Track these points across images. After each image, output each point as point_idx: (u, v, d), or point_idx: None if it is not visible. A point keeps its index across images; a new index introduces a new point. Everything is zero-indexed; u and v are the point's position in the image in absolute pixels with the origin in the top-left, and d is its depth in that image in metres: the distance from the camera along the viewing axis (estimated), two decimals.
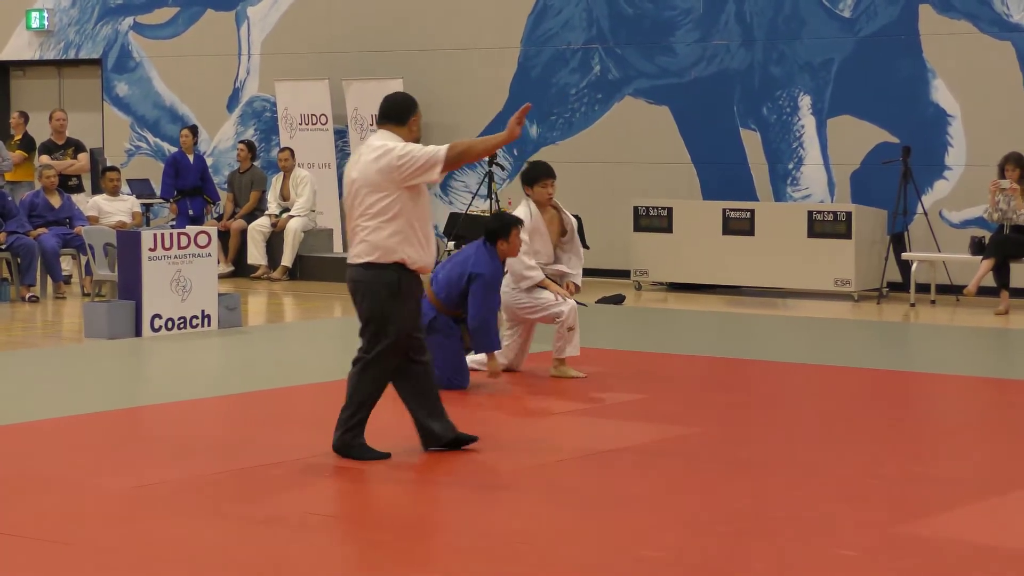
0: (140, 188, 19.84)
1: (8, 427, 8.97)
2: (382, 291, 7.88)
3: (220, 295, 13.52)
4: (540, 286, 10.67)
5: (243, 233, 18.63)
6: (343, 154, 19.38)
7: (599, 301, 15.42)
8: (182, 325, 13.14)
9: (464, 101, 18.75)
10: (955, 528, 6.72)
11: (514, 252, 10.23)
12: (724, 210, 16.72)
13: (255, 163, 19.35)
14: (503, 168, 18.18)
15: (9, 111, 21.36)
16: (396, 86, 18.02)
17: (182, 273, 13.16)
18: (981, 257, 14.87)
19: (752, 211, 16.61)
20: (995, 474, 7.89)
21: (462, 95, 18.81)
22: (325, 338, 13.17)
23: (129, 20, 21.53)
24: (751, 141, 17.31)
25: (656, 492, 7.43)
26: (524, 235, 10.52)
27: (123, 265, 13.14)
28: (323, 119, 19.50)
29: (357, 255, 7.94)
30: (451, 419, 8.22)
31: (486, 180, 17.70)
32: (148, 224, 18.78)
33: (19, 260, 15.75)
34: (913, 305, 15.40)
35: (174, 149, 19.83)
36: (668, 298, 16.51)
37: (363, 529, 6.90)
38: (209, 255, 13.44)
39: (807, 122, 17.01)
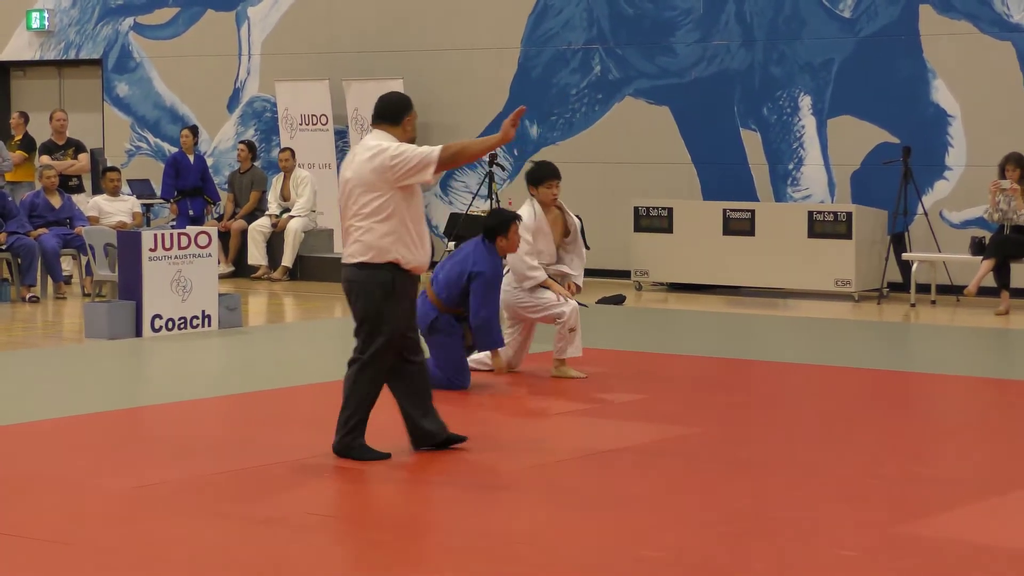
0: (140, 188, 19.85)
1: (8, 427, 8.97)
2: (376, 291, 7.88)
3: (220, 295, 13.52)
4: (542, 286, 10.67)
5: (243, 233, 18.63)
6: (343, 154, 19.34)
7: (599, 301, 15.42)
8: (182, 325, 13.14)
9: (464, 101, 18.76)
10: (955, 528, 6.72)
11: (513, 248, 10.23)
12: (724, 210, 16.72)
13: (255, 163, 19.36)
14: (503, 168, 18.18)
15: (9, 111, 21.35)
16: (396, 86, 18.04)
17: (182, 273, 13.16)
18: (981, 257, 14.86)
19: (752, 211, 16.61)
20: (995, 474, 7.89)
21: (462, 95, 18.81)
22: (325, 338, 13.17)
23: (129, 20, 21.54)
24: (751, 141, 17.32)
25: (656, 492, 7.43)
26: (528, 235, 10.53)
27: (123, 265, 13.14)
28: (323, 119, 19.50)
29: (351, 255, 7.95)
30: (443, 419, 8.22)
31: (486, 180, 17.70)
32: (148, 224, 18.78)
33: (19, 260, 15.75)
34: (913, 305, 15.40)
35: (174, 149, 19.83)
36: (668, 298, 16.51)
37: (363, 529, 6.90)
38: (209, 255, 13.44)
39: (807, 122, 17.01)
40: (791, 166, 17.09)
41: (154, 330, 12.95)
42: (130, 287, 13.01)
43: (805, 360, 11.83)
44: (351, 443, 7.96)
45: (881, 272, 16.17)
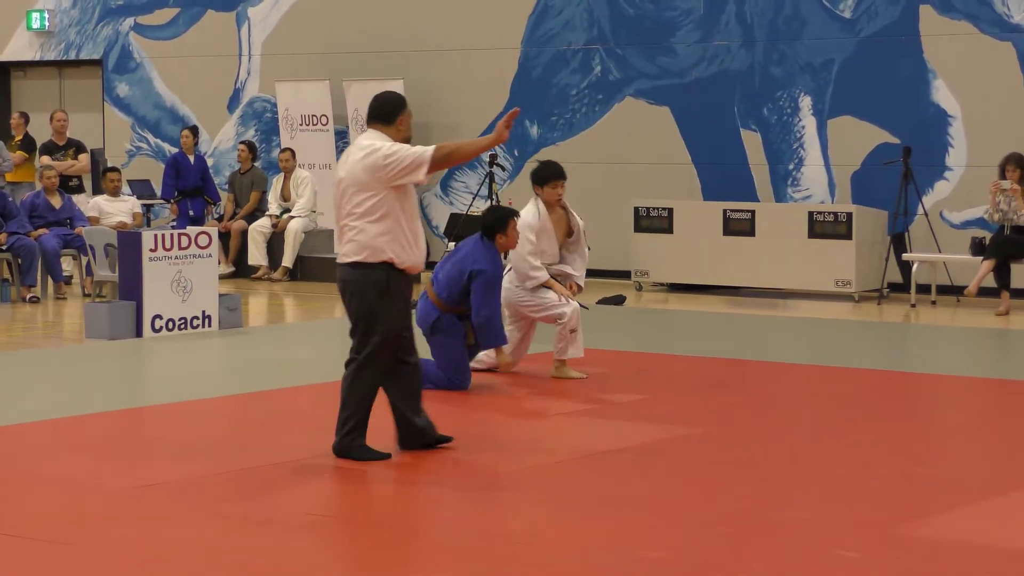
0: (141, 189, 19.85)
1: (9, 427, 8.97)
2: (371, 290, 7.89)
3: (221, 296, 13.52)
4: (544, 286, 10.67)
5: (244, 234, 18.63)
6: None
7: (600, 302, 15.42)
8: (183, 326, 13.14)
9: (465, 102, 18.76)
10: (955, 529, 6.72)
11: (513, 244, 10.23)
12: (725, 211, 16.72)
13: (256, 164, 19.36)
14: (504, 168, 18.18)
15: (10, 112, 21.35)
16: (397, 87, 18.02)
17: (183, 274, 13.16)
18: (982, 258, 14.87)
19: (753, 212, 16.61)
20: (995, 475, 7.89)
21: (463, 96, 18.81)
22: (325, 339, 13.17)
23: (130, 21, 21.54)
24: (752, 142, 17.32)
25: (657, 492, 7.43)
26: (531, 235, 10.53)
27: (124, 266, 13.14)
28: (324, 120, 19.50)
29: (345, 255, 7.97)
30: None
31: (487, 180, 17.70)
32: (149, 225, 18.78)
33: (20, 261, 15.75)
34: (914, 306, 15.40)
35: (175, 150, 19.83)
36: (669, 299, 16.51)
37: (362, 529, 6.90)
38: (210, 256, 13.44)
39: (808, 123, 17.01)
40: (791, 166, 17.10)
41: (154, 330, 12.95)
42: (130, 287, 13.01)
43: (805, 360, 11.83)
44: (351, 444, 7.96)
45: (881, 272, 16.17)
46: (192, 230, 13.57)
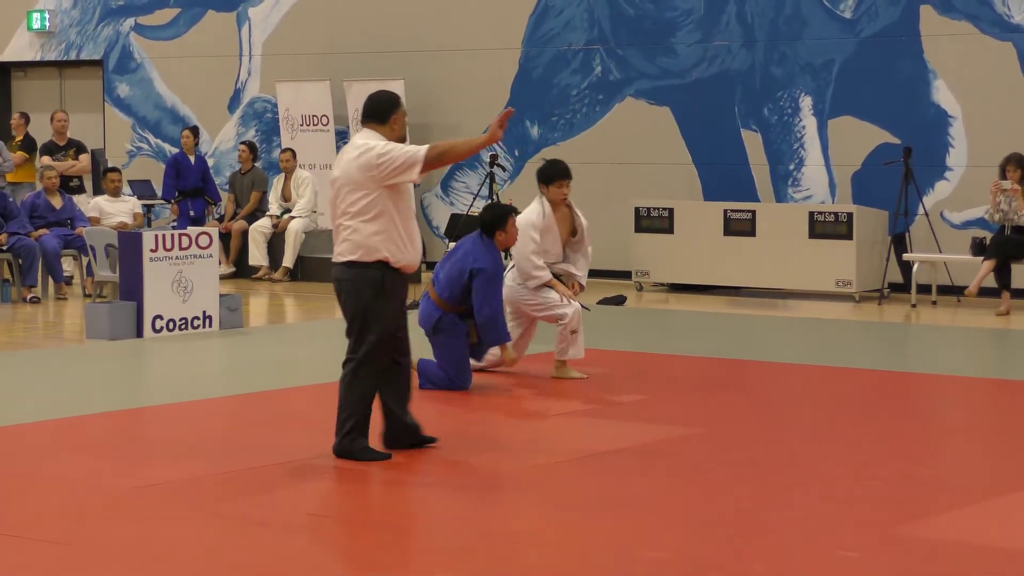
0: (141, 189, 19.85)
1: (9, 428, 8.98)
2: (366, 289, 7.90)
3: (221, 296, 13.52)
4: (547, 285, 10.67)
5: (244, 234, 18.64)
6: None
7: (600, 302, 15.42)
8: (183, 326, 13.14)
9: (465, 102, 18.76)
10: (956, 529, 6.72)
11: (512, 241, 10.24)
12: (725, 211, 16.72)
13: (256, 164, 19.36)
14: (504, 169, 18.18)
15: (10, 112, 21.36)
16: (397, 87, 18.03)
17: (183, 274, 13.16)
18: (982, 258, 14.86)
19: (753, 212, 16.61)
20: (996, 475, 7.89)
21: (463, 96, 18.81)
22: (326, 339, 13.16)
23: (130, 21, 21.54)
24: (752, 142, 17.32)
25: (657, 493, 7.43)
26: (535, 234, 10.54)
27: (124, 266, 13.14)
28: (324, 120, 19.50)
29: (340, 254, 7.99)
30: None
31: (487, 181, 17.70)
32: (149, 225, 18.79)
33: (20, 261, 15.75)
34: (914, 306, 15.40)
35: (175, 150, 19.83)
36: (669, 299, 16.51)
37: (362, 530, 6.90)
38: (210, 256, 13.45)
39: (808, 123, 17.01)
40: (792, 167, 17.09)
41: (155, 331, 12.95)
42: (131, 288, 13.01)
43: (806, 361, 11.83)
44: (351, 444, 7.96)
45: (882, 273, 16.16)
46: (193, 230, 13.57)
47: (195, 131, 19.48)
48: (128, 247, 13.11)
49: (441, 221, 18.82)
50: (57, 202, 16.51)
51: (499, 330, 10.09)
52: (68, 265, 17.14)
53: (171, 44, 21.20)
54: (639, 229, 17.15)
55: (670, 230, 16.98)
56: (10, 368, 11.54)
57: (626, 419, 9.32)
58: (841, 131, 16.78)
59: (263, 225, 18.53)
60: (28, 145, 19.07)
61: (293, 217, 18.44)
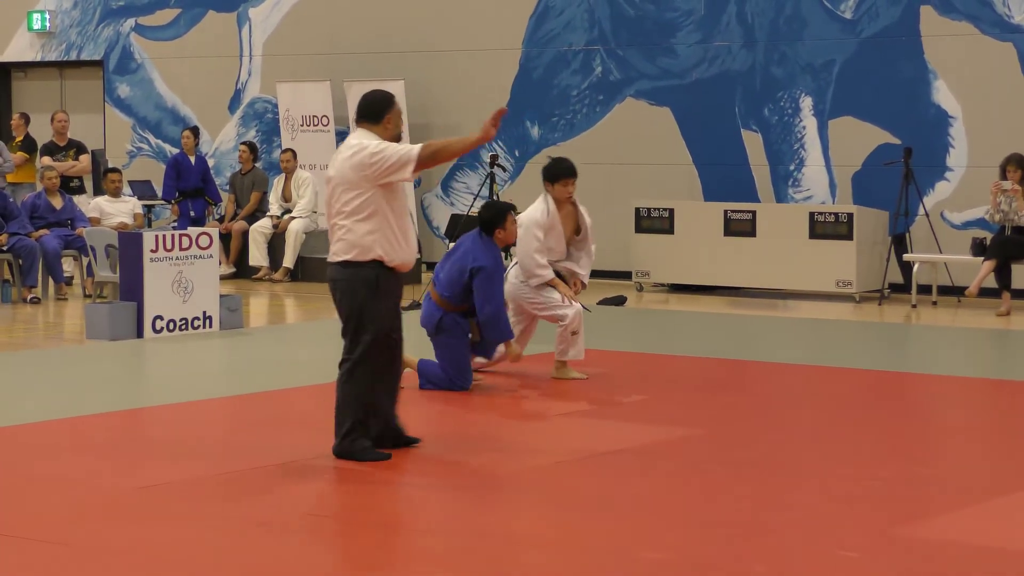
0: (142, 189, 19.85)
1: (9, 428, 8.97)
2: (361, 288, 7.91)
3: (221, 296, 13.52)
4: (549, 285, 10.66)
5: (245, 234, 18.64)
6: None
7: (601, 302, 15.42)
8: (183, 326, 13.15)
9: (465, 102, 18.76)
10: (956, 529, 6.72)
11: (512, 238, 10.25)
12: (725, 211, 16.72)
13: (257, 164, 19.37)
14: (504, 169, 18.18)
15: (10, 112, 21.37)
16: (398, 87, 18.04)
17: (183, 274, 13.16)
18: (982, 258, 14.86)
19: (753, 212, 16.61)
20: (996, 475, 7.89)
21: (463, 96, 18.81)
22: (326, 339, 13.14)
23: (131, 21, 21.54)
24: (752, 142, 17.32)
25: (657, 493, 7.43)
26: (539, 232, 10.54)
27: (124, 266, 13.14)
28: (324, 120, 19.50)
29: (335, 254, 8.00)
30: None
31: (487, 181, 17.70)
32: (150, 225, 18.79)
33: (21, 261, 15.75)
34: (915, 306, 15.40)
35: (176, 150, 19.84)
36: (669, 299, 16.51)
37: (362, 530, 6.90)
38: (210, 256, 13.45)
39: (808, 123, 17.01)
40: (792, 167, 17.09)
41: (155, 331, 12.95)
42: (131, 288, 13.01)
43: (806, 361, 11.83)
44: (351, 446, 7.96)
45: (882, 273, 16.16)
46: (193, 231, 13.57)
47: (195, 131, 19.49)
48: (128, 247, 13.11)
49: (441, 221, 18.82)
50: (57, 202, 16.51)
51: (502, 328, 10.08)
52: (68, 265, 17.14)
53: (171, 44, 21.21)
54: (639, 229, 17.15)
55: (670, 230, 16.98)
56: (10, 368, 11.54)
57: (626, 419, 9.32)
58: (841, 131, 16.78)
59: (263, 225, 18.53)
60: (28, 145, 19.07)
61: (293, 217, 18.44)
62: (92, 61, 21.97)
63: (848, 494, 7.33)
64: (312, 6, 20.07)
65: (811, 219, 16.22)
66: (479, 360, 10.58)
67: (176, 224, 18.25)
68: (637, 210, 17.18)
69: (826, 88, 16.87)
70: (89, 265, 15.57)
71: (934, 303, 15.59)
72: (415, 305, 14.54)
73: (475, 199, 18.02)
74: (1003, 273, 14.78)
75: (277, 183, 18.92)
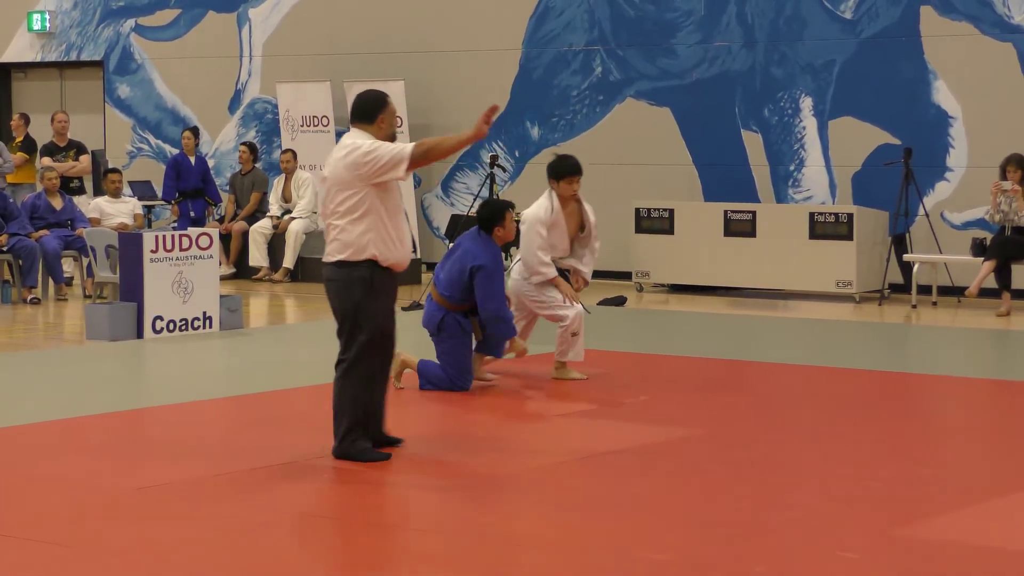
0: (142, 190, 19.85)
1: (9, 428, 8.97)
2: (356, 288, 7.92)
3: (221, 297, 13.53)
4: (552, 283, 10.64)
5: (245, 235, 18.64)
6: None
7: (601, 302, 15.42)
8: (183, 327, 13.14)
9: (465, 103, 18.75)
10: (956, 529, 6.72)
11: (510, 236, 10.26)
12: (725, 212, 16.72)
13: (257, 165, 19.37)
14: (504, 170, 18.18)
15: (10, 113, 21.37)
16: (398, 88, 18.06)
17: (183, 275, 13.16)
18: (983, 259, 14.86)
19: (753, 213, 16.61)
20: (996, 476, 7.88)
21: (463, 97, 18.81)
22: (326, 340, 13.09)
23: (131, 22, 21.54)
24: (752, 143, 17.32)
25: (657, 493, 7.43)
26: (543, 229, 10.53)
27: (124, 267, 13.14)
28: (324, 121, 19.50)
29: (329, 254, 8.02)
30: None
31: (487, 182, 17.70)
32: (150, 226, 18.79)
33: (21, 262, 15.75)
34: (915, 307, 15.39)
35: (176, 151, 19.84)
36: (669, 300, 16.51)
37: (362, 530, 6.90)
38: (211, 257, 13.45)
39: (808, 124, 17.01)
40: (792, 167, 17.09)
41: (155, 332, 12.95)
42: (131, 289, 13.01)
43: (806, 361, 11.83)
44: (350, 447, 7.96)
45: (882, 273, 16.16)
46: (193, 231, 13.57)
47: (195, 132, 19.49)
48: (128, 248, 13.11)
49: (441, 222, 18.81)
50: (57, 203, 16.51)
51: (505, 325, 10.08)
52: (68, 266, 17.14)
53: (171, 45, 21.21)
54: (639, 230, 17.15)
55: (670, 231, 16.98)
56: (10, 369, 11.54)
57: (626, 420, 9.32)
58: (841, 132, 16.78)
59: (263, 226, 18.53)
60: (28, 146, 19.08)
61: (293, 218, 18.44)
62: (92, 61, 21.98)
63: (848, 494, 7.33)
64: (312, 6, 20.07)
65: (811, 219, 16.22)
66: (488, 358, 10.56)
67: (176, 225, 18.25)
68: (637, 210, 17.18)
69: (826, 88, 16.87)
70: (89, 266, 15.57)
71: (934, 303, 15.59)
72: (416, 306, 14.55)
73: (475, 199, 18.01)
74: (1003, 273, 14.78)
75: (277, 183, 18.93)
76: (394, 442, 8.24)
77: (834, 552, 6.30)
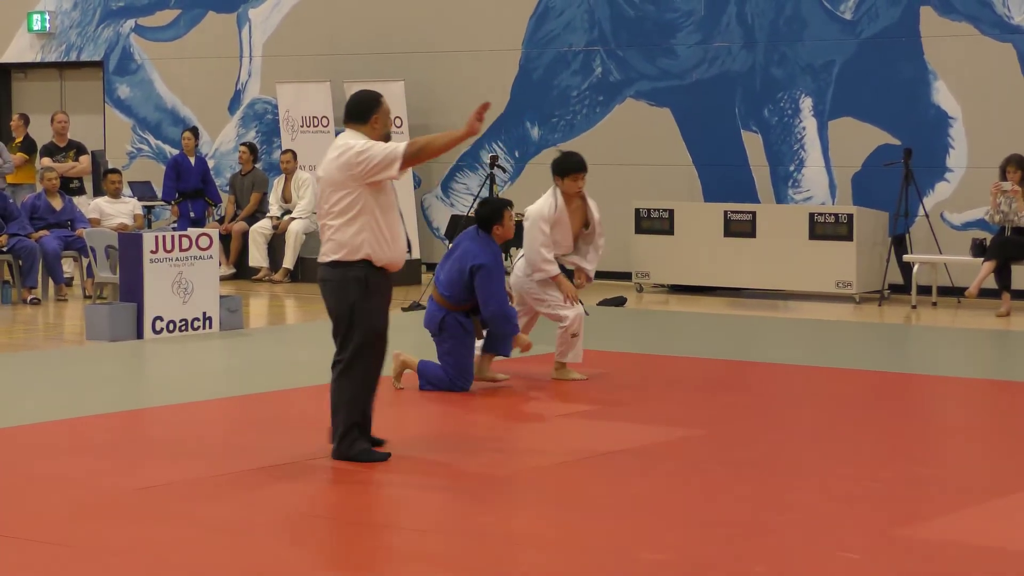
0: (142, 190, 19.85)
1: (9, 429, 8.97)
2: (351, 288, 7.93)
3: (221, 297, 13.52)
4: (554, 281, 10.63)
5: (245, 235, 18.64)
6: None
7: (600, 303, 15.42)
8: (183, 327, 13.14)
9: (465, 103, 18.64)
10: (956, 529, 6.72)
11: (509, 234, 10.26)
12: (725, 212, 16.72)
13: (257, 165, 19.36)
14: (504, 170, 18.17)
15: (10, 113, 21.36)
16: (397, 88, 18.06)
17: (183, 275, 13.16)
18: (982, 259, 14.86)
19: (753, 213, 16.60)
20: (997, 476, 7.88)
21: (463, 97, 18.79)
22: (326, 340, 13.09)
23: (131, 22, 21.54)
24: (752, 143, 17.31)
25: (657, 493, 7.43)
26: (545, 226, 10.53)
27: (124, 267, 13.14)
28: (324, 121, 19.50)
29: (324, 254, 8.05)
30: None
31: (487, 182, 17.69)
32: (150, 226, 18.79)
33: (20, 262, 15.75)
34: (914, 307, 15.39)
35: (175, 151, 19.83)
36: (669, 300, 16.51)
37: (362, 531, 6.89)
38: (210, 257, 13.45)
39: (808, 124, 17.01)
40: (792, 168, 17.09)
41: (155, 332, 12.95)
42: (131, 289, 13.01)
43: (806, 362, 11.83)
44: (348, 448, 7.96)
45: (882, 274, 16.16)
46: (193, 232, 13.57)
47: (195, 132, 19.49)
48: (128, 248, 13.11)
49: (441, 222, 18.81)
50: (57, 203, 16.51)
51: (506, 324, 10.08)
52: (68, 266, 17.14)
53: (171, 45, 21.20)
54: (639, 230, 17.15)
55: (670, 231, 16.97)
56: (10, 369, 11.54)
57: (626, 420, 9.32)
58: (841, 132, 16.78)
59: (263, 226, 18.53)
60: (28, 146, 19.07)
61: (293, 218, 18.44)
62: (92, 62, 21.97)
63: (848, 494, 7.33)
64: (312, 7, 20.07)
65: (811, 220, 16.22)
66: (498, 357, 10.55)
67: (176, 225, 18.25)
68: (637, 211, 17.18)
69: (826, 89, 16.87)
70: (89, 266, 15.57)
71: (934, 304, 15.59)
72: (417, 306, 14.55)
73: (475, 200, 18.01)
74: (1003, 274, 14.78)
75: (277, 184, 18.92)
76: (377, 443, 8.22)
77: (834, 552, 6.30)
